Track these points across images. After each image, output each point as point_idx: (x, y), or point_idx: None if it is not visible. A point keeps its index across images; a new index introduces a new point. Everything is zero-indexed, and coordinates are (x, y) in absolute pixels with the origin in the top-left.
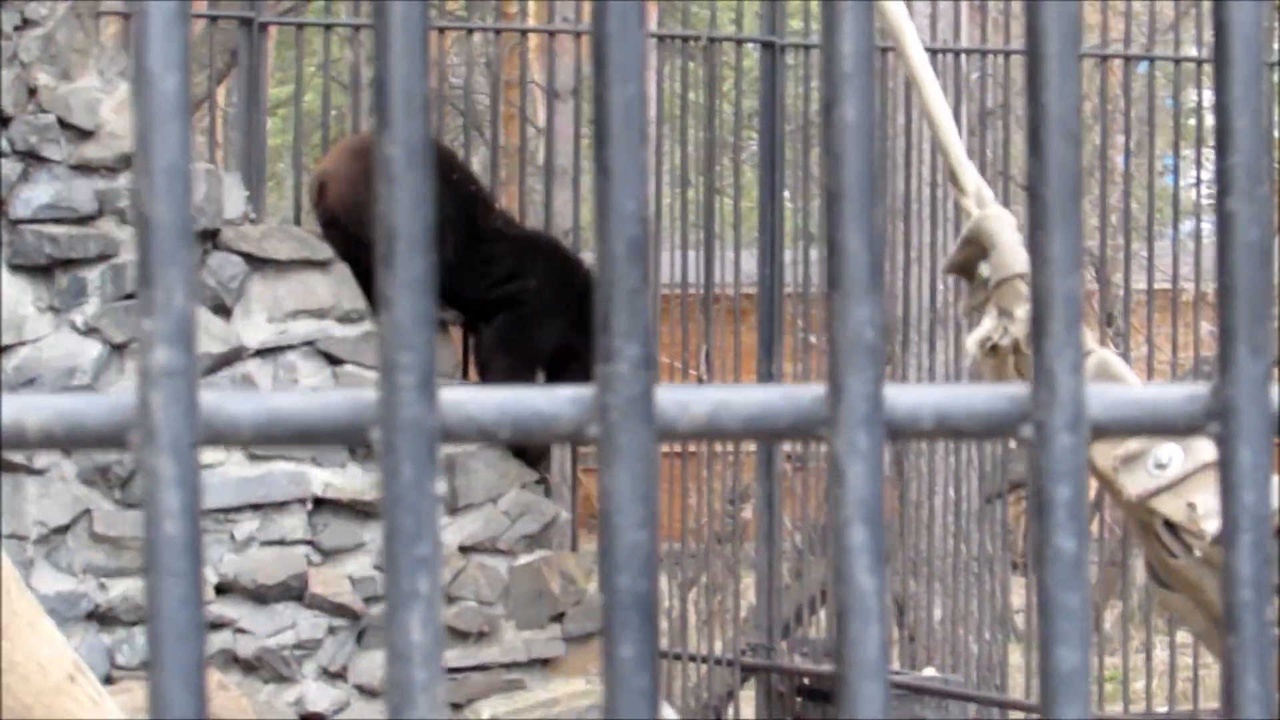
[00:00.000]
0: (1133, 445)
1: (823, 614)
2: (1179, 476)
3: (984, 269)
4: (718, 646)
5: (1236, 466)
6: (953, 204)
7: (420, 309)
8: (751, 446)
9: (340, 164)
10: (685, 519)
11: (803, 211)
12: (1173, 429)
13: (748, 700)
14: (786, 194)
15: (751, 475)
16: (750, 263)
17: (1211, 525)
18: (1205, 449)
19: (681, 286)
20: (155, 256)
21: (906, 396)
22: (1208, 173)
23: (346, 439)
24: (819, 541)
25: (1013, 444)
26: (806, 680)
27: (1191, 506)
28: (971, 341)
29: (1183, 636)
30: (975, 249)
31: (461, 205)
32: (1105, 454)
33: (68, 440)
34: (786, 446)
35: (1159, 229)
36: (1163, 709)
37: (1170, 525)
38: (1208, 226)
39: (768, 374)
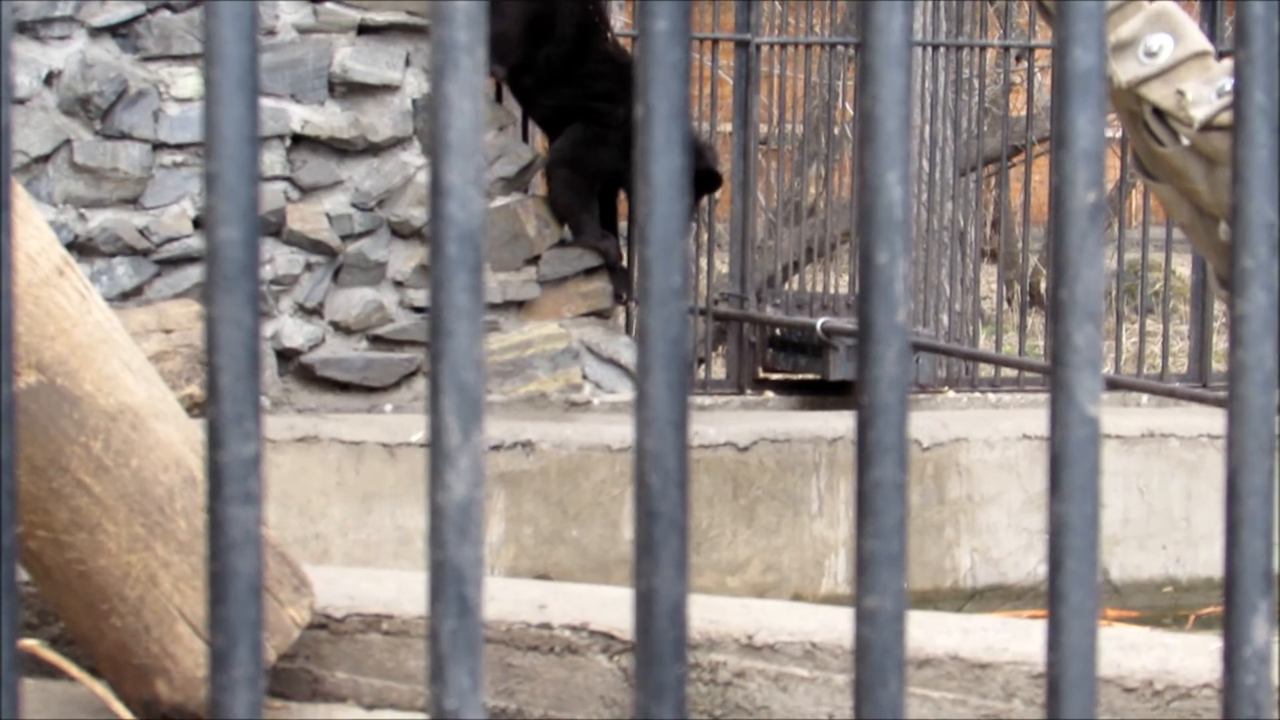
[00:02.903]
0: (1124, 32)
1: (795, 280)
2: (1169, 64)
3: None
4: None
5: None
6: None
7: None
8: (727, 126)
9: None
10: None
11: None
12: None
13: (719, 366)
14: None
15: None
16: None
17: (1200, 112)
18: (1195, 38)
19: None
20: None
21: None
22: None
23: None
24: (792, 215)
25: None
26: (778, 331)
27: (1180, 94)
28: None
29: (1152, 323)
30: None
31: (578, 22)
32: None
33: None
34: (762, 128)
35: None
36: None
37: (1159, 113)
38: None
39: None
